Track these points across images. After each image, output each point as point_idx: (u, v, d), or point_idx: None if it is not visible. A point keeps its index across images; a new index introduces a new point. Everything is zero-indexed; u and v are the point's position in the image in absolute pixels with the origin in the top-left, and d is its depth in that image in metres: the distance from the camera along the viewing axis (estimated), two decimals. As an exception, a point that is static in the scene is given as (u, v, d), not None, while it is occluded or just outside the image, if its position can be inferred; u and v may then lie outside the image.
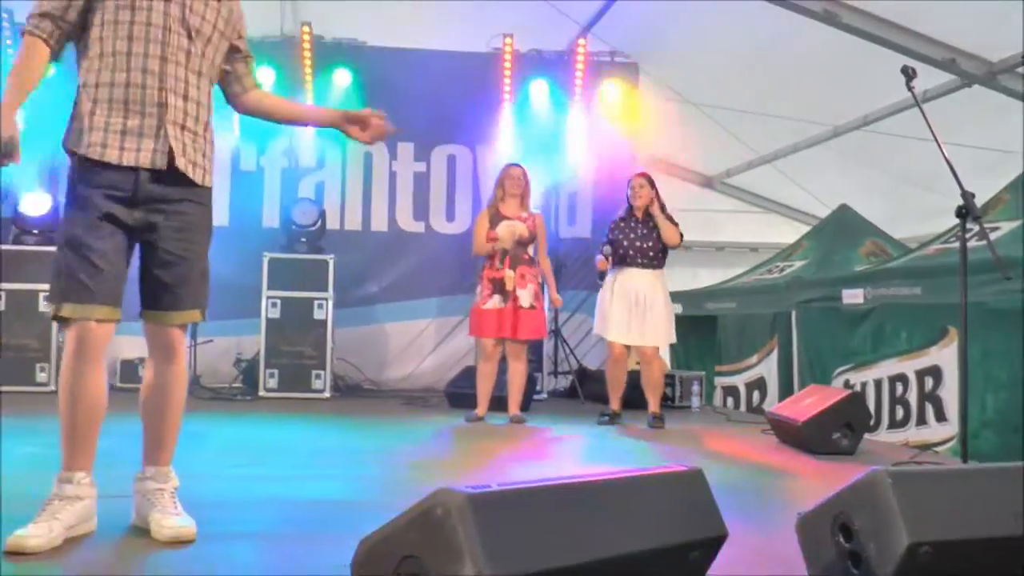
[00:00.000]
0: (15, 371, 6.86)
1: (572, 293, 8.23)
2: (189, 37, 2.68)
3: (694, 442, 5.48)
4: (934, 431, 5.23)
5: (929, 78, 6.51)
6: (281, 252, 7.48)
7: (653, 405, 5.99)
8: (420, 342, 8.27)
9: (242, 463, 4.25)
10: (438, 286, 8.27)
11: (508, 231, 5.95)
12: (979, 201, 3.84)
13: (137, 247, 2.72)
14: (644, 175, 6.18)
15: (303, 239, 7.60)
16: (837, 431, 4.81)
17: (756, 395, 7.42)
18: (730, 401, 7.80)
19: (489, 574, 1.63)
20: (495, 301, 5.90)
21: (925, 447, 5.14)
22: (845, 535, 2.10)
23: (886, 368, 5.69)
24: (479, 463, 4.59)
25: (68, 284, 2.56)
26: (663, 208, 6.03)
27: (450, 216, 8.49)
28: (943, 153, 3.76)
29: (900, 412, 5.53)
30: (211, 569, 2.43)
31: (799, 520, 2.28)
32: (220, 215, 7.95)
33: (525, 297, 5.91)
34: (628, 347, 6.01)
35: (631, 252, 5.97)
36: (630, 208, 6.09)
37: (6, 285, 6.94)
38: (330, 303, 7.36)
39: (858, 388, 5.83)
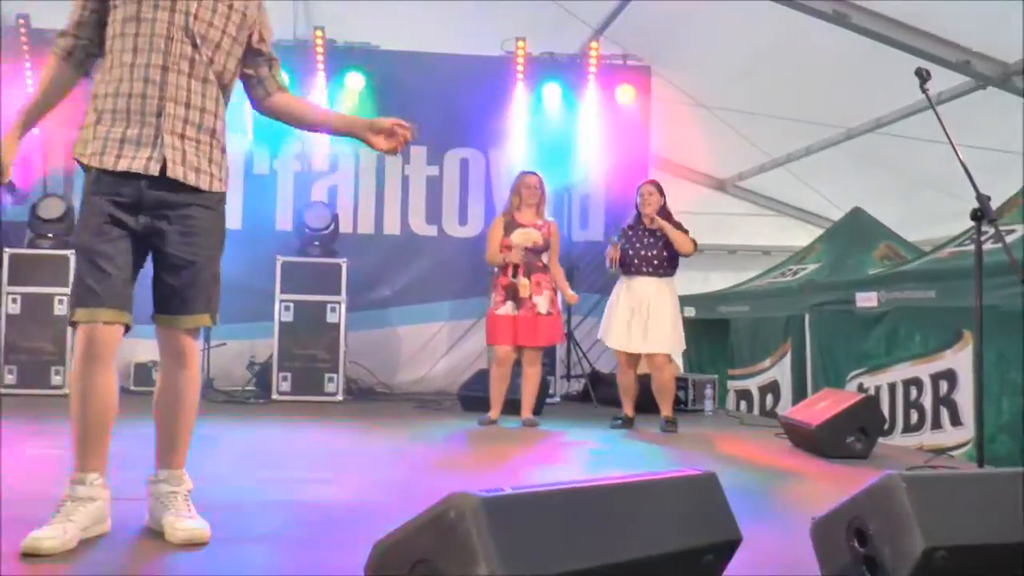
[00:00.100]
0: (30, 374, 6.91)
1: (584, 296, 8.19)
2: (194, 45, 2.68)
3: (707, 446, 5.46)
4: (949, 435, 5.20)
5: (943, 80, 6.47)
6: (294, 256, 7.50)
7: (665, 409, 5.97)
8: (433, 345, 8.27)
9: (255, 466, 4.26)
10: (451, 289, 8.27)
11: (523, 239, 5.96)
12: (994, 204, 3.82)
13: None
14: (653, 182, 6.18)
15: (316, 243, 7.62)
16: (851, 435, 4.78)
17: (769, 399, 7.40)
18: (743, 405, 7.78)
19: (502, 578, 1.63)
20: (508, 308, 5.90)
21: (940, 451, 5.12)
22: (860, 540, 2.09)
23: (900, 372, 5.66)
24: (492, 466, 4.59)
25: (79, 289, 2.61)
26: (670, 216, 6.02)
27: (463, 220, 8.49)
28: (958, 155, 3.74)
29: (915, 416, 5.50)
30: (225, 572, 2.43)
31: (813, 524, 2.27)
32: (233, 218, 7.93)
33: (542, 304, 5.92)
34: (636, 358, 6.00)
35: (636, 261, 5.95)
36: (638, 216, 6.08)
37: (21, 288, 6.98)
38: (343, 306, 7.37)
39: (872, 392, 5.80)
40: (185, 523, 2.65)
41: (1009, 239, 4.81)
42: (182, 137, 2.68)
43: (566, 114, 8.43)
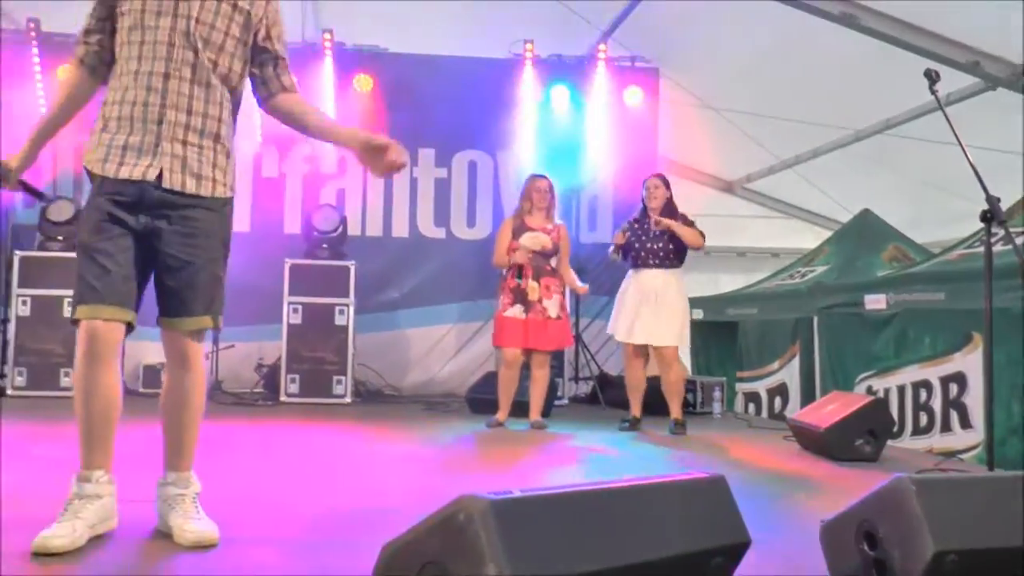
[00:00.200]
0: (40, 376, 6.95)
1: (593, 299, 8.20)
2: (196, 50, 2.69)
3: (716, 449, 5.45)
4: (959, 438, 5.18)
5: (952, 81, 6.46)
6: (302, 258, 7.51)
7: (675, 411, 5.97)
8: (441, 348, 8.28)
9: (264, 469, 4.27)
10: (459, 292, 8.28)
11: (532, 242, 5.97)
12: (1004, 205, 3.80)
13: None
14: (659, 176, 6.20)
15: (324, 245, 7.63)
16: (860, 438, 4.77)
17: (778, 401, 7.38)
18: (751, 407, 7.76)
19: (511, 580, 1.63)
20: (516, 310, 5.91)
21: (950, 454, 5.10)
22: (869, 543, 2.09)
23: (909, 374, 5.65)
24: (500, 469, 4.59)
25: (80, 286, 2.63)
26: (675, 210, 6.02)
27: (471, 222, 8.50)
28: (967, 157, 3.72)
29: (924, 419, 5.48)
30: (233, 573, 2.44)
31: (822, 527, 2.27)
32: (241, 221, 8.06)
33: (552, 308, 5.92)
34: (644, 351, 6.00)
35: (643, 253, 5.97)
36: (644, 209, 6.09)
37: (31, 291, 7.02)
38: (351, 309, 7.38)
39: (881, 394, 5.78)
40: (194, 525, 2.66)
41: (1019, 241, 4.78)
42: (184, 143, 2.68)
43: (574, 116, 8.43)
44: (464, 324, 8.27)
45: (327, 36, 8.01)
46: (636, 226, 6.09)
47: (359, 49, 8.24)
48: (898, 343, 5.80)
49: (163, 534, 2.73)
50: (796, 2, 6.48)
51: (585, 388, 8.09)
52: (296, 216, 8.19)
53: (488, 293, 7.51)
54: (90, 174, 2.70)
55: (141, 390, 7.11)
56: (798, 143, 9.23)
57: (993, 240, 3.89)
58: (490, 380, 6.68)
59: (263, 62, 2.87)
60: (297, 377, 7.27)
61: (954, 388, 5.26)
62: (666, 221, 5.90)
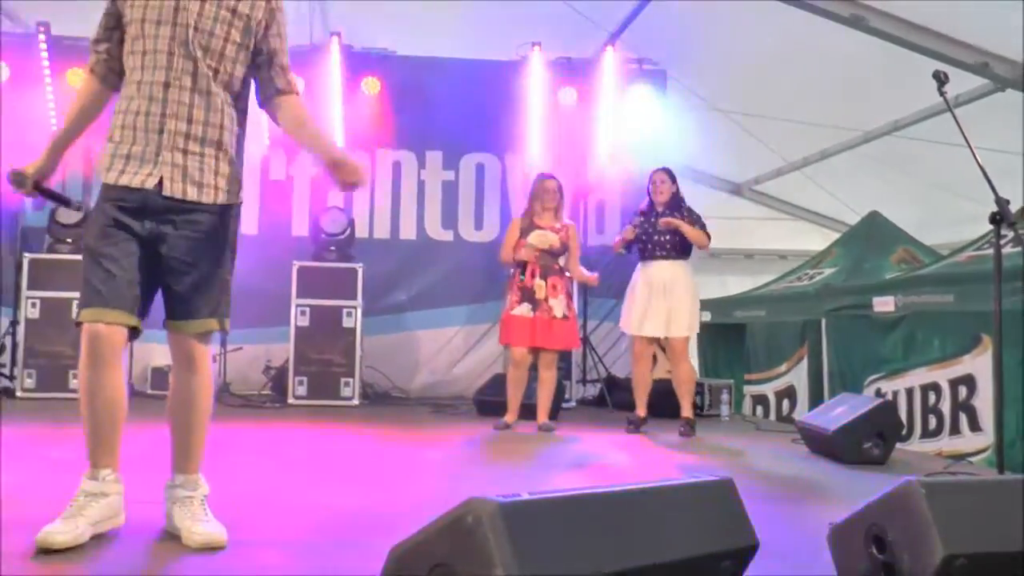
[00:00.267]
0: (49, 377, 6.97)
1: (600, 301, 8.22)
2: (195, 59, 2.70)
3: (723, 451, 5.44)
4: (968, 441, 5.16)
5: (961, 82, 6.44)
6: (310, 260, 7.52)
7: (686, 409, 5.96)
8: (449, 350, 8.28)
9: (271, 471, 4.28)
10: (467, 294, 8.28)
11: (539, 240, 5.97)
12: (1013, 207, 3.79)
13: None
14: (665, 170, 6.20)
15: (332, 247, 7.65)
16: (868, 440, 4.76)
17: (786, 404, 7.37)
18: (759, 410, 7.75)
19: (519, 583, 1.63)
20: (523, 309, 5.91)
21: (959, 457, 5.08)
22: (878, 546, 2.08)
23: (918, 377, 5.63)
24: (508, 472, 4.58)
25: (84, 290, 2.66)
26: (682, 204, 6.02)
27: (478, 224, 8.50)
28: (976, 159, 3.72)
29: (933, 421, 5.47)
30: (241, 575, 2.45)
31: (831, 531, 2.27)
32: (249, 224, 8.07)
33: (557, 307, 5.92)
34: (652, 350, 6.00)
35: (650, 246, 5.99)
36: (651, 202, 6.11)
37: (40, 293, 7.05)
38: (359, 311, 7.39)
39: (890, 397, 5.77)
40: (202, 527, 2.67)
41: (1028, 243, 4.78)
42: (184, 152, 2.70)
43: (581, 118, 8.42)
44: (472, 326, 8.27)
45: (335, 39, 8.01)
46: (642, 218, 6.10)
47: (367, 52, 8.24)
48: (907, 345, 5.79)
49: (171, 536, 2.73)
50: (804, 4, 6.47)
51: (593, 390, 8.09)
52: (304, 218, 8.20)
53: (496, 295, 7.51)
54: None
55: (149, 392, 7.13)
56: (806, 145, 9.22)
57: (1002, 242, 3.88)
58: (498, 382, 6.68)
59: (260, 64, 2.86)
60: (305, 379, 7.28)
61: (963, 391, 5.24)
62: (675, 222, 5.90)
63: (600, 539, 1.82)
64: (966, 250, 6.04)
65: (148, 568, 2.54)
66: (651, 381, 6.11)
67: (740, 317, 8.07)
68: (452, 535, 1.73)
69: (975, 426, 5.13)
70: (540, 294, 5.90)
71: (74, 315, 2.71)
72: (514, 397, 6.00)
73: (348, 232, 7.74)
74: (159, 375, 7.25)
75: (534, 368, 6.05)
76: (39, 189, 2.87)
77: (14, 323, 7.23)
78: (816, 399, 6.60)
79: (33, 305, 7.05)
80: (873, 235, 7.82)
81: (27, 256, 7.17)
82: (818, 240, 10.00)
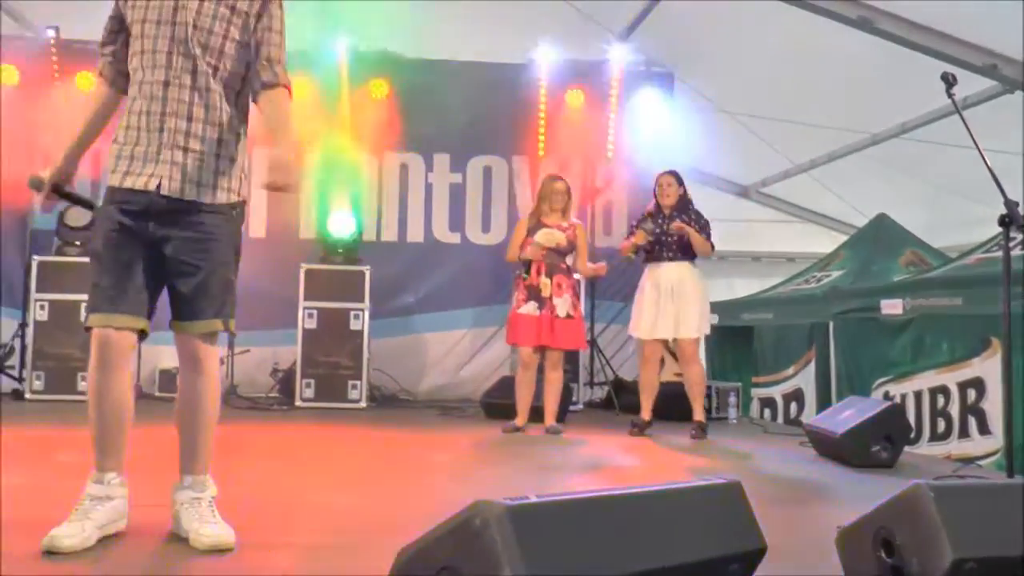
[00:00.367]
0: (58, 380, 6.99)
1: (608, 304, 8.22)
2: (194, 57, 2.71)
3: (731, 454, 5.43)
4: (977, 444, 5.15)
5: (969, 84, 6.42)
6: (318, 263, 7.53)
7: (697, 412, 5.94)
8: (456, 352, 8.28)
9: (279, 473, 4.28)
10: (474, 296, 8.28)
11: (546, 239, 5.97)
12: (1022, 209, 3.78)
13: None
14: (672, 173, 6.18)
15: (339, 250, 7.66)
16: (876, 444, 4.74)
17: (793, 407, 7.35)
18: (767, 413, 7.73)
19: (527, 586, 1.63)
20: (530, 307, 5.91)
21: (968, 460, 5.06)
22: (887, 550, 2.08)
23: (927, 380, 5.61)
24: (516, 474, 4.58)
25: (92, 295, 2.69)
26: (689, 206, 6.02)
27: (486, 227, 8.50)
28: (985, 161, 3.70)
29: (942, 424, 5.45)
30: (250, 578, 2.45)
31: (839, 534, 2.26)
32: (257, 227, 8.09)
33: (561, 306, 5.91)
34: (660, 354, 5.99)
35: (657, 247, 5.98)
36: (657, 204, 6.10)
37: (49, 295, 7.07)
38: (366, 314, 7.40)
39: (898, 400, 5.75)
40: (210, 529, 2.68)
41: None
42: (185, 150, 2.71)
43: (589, 121, 8.42)
44: (479, 329, 8.27)
45: (343, 41, 8.02)
46: (650, 221, 6.08)
47: (374, 54, 8.24)
48: (915, 348, 5.77)
49: (179, 538, 2.74)
50: (811, 5, 6.46)
51: (600, 393, 8.08)
52: (311, 221, 8.20)
53: (503, 298, 7.50)
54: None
55: (157, 394, 7.15)
56: (813, 147, 9.20)
57: (1012, 244, 3.86)
58: (505, 385, 6.68)
59: (250, 56, 2.84)
60: (312, 382, 7.29)
61: (972, 394, 5.23)
62: (687, 229, 5.88)
63: (608, 542, 1.82)
64: (975, 252, 6.02)
65: (157, 569, 2.55)
66: (658, 385, 6.10)
67: (748, 320, 8.05)
68: (459, 538, 1.74)
69: (984, 429, 5.11)
70: (545, 292, 5.89)
71: (83, 320, 2.74)
72: (523, 400, 5.99)
73: (355, 235, 7.75)
74: (167, 377, 7.27)
75: (542, 369, 6.04)
76: (59, 193, 2.90)
77: (23, 325, 7.25)
78: (824, 402, 6.59)
79: (42, 307, 7.08)
80: (881, 237, 7.79)
81: (36, 258, 7.20)
82: (826, 243, 9.97)
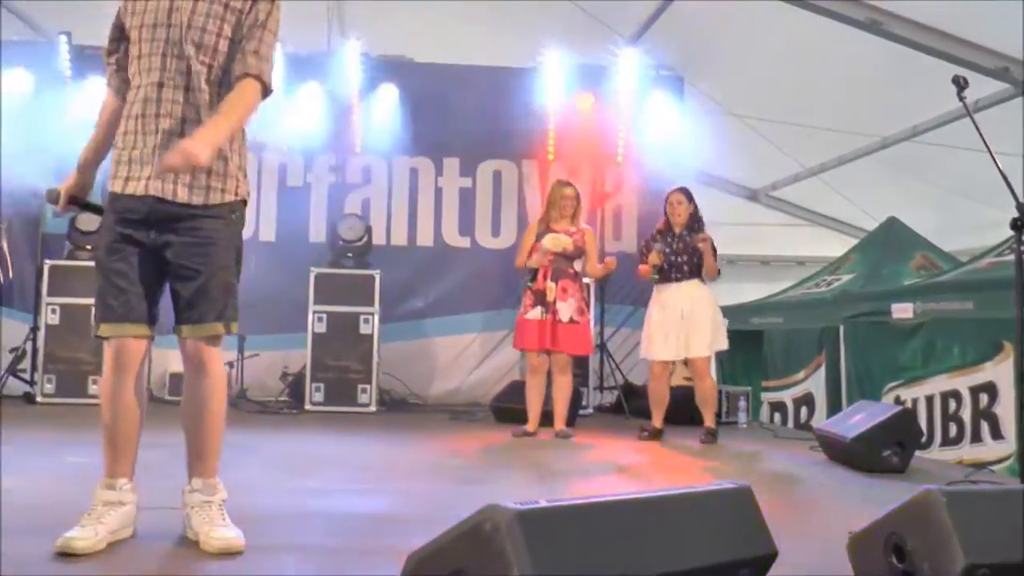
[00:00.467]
0: (68, 383, 7.02)
1: (618, 308, 8.22)
2: (188, 57, 2.72)
3: (742, 459, 5.42)
4: (990, 449, 5.12)
5: (980, 87, 6.40)
6: (328, 267, 7.54)
7: (708, 420, 5.94)
8: (466, 356, 8.29)
9: (289, 476, 4.29)
10: (484, 301, 8.28)
11: (552, 243, 5.97)
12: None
13: None
14: (683, 190, 6.15)
15: (349, 254, 7.67)
16: (887, 448, 4.71)
17: (804, 411, 7.33)
18: (777, 417, 7.70)
19: (537, 591, 1.63)
20: (536, 312, 5.91)
21: (980, 466, 5.04)
22: (898, 555, 2.07)
23: (938, 384, 5.59)
24: (526, 479, 4.58)
25: (101, 305, 2.74)
26: (698, 226, 6.00)
27: (495, 231, 8.51)
28: (996, 163, 3.69)
29: (953, 429, 5.42)
30: (260, 582, 2.45)
31: (850, 540, 2.25)
32: (267, 230, 8.12)
33: (564, 311, 5.90)
34: (672, 364, 5.99)
35: (666, 267, 5.95)
36: (667, 222, 6.07)
37: (60, 299, 7.10)
38: (376, 318, 7.40)
39: (909, 404, 5.72)
40: (220, 532, 2.68)
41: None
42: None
43: (598, 125, 8.41)
44: (489, 333, 8.27)
45: (353, 46, 8.04)
46: (660, 240, 6.05)
47: (384, 59, 8.27)
48: (926, 353, 5.75)
49: (189, 541, 2.75)
50: (821, 8, 6.45)
51: (610, 397, 8.07)
52: (321, 225, 8.23)
53: (513, 302, 7.51)
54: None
55: (167, 398, 7.16)
56: (823, 151, 9.18)
57: (1024, 248, 3.84)
58: (515, 389, 6.68)
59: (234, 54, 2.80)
60: (322, 386, 7.30)
61: (984, 398, 5.20)
62: (708, 249, 5.84)
63: (618, 547, 1.81)
64: (986, 256, 6.00)
65: (167, 572, 2.55)
66: (669, 397, 6.07)
67: (757, 324, 8.03)
68: (470, 542, 1.73)
69: (997, 434, 5.08)
70: (550, 296, 5.89)
71: (92, 329, 2.79)
72: (533, 405, 5.99)
73: (365, 239, 7.76)
74: (177, 381, 7.28)
75: (552, 375, 6.03)
76: (76, 204, 2.93)
77: (34, 329, 7.28)
78: (834, 406, 6.56)
79: (53, 311, 7.11)
80: (891, 241, 7.77)
81: (47, 262, 7.24)
82: (836, 246, 9.94)
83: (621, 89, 8.35)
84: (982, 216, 7.11)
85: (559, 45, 8.11)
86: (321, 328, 7.33)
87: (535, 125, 8.31)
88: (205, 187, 2.75)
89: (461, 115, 8.02)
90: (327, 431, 6.14)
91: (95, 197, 3.03)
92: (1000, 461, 5.00)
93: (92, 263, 7.31)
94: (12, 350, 7.33)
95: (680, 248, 5.95)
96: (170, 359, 7.18)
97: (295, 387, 7.53)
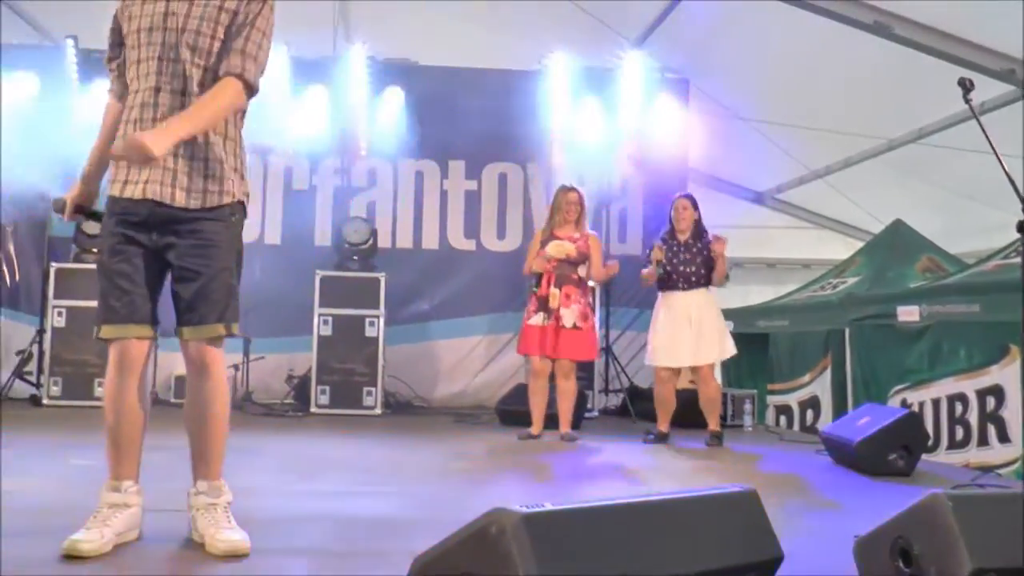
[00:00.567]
0: (74, 386, 7.04)
1: (623, 311, 8.21)
2: (184, 60, 2.72)
3: (747, 462, 5.41)
4: (996, 452, 5.11)
5: (987, 89, 6.38)
6: (333, 270, 7.55)
7: (713, 423, 5.95)
8: (471, 359, 8.29)
9: (295, 479, 4.29)
10: (489, 304, 8.29)
11: (556, 250, 5.97)
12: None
13: None
14: (688, 197, 6.15)
15: (355, 257, 7.68)
16: (893, 452, 4.70)
17: (809, 414, 7.32)
18: (783, 420, 7.70)
19: (543, 594, 1.63)
20: (538, 318, 5.91)
21: (987, 469, 5.02)
22: (904, 559, 2.06)
23: (944, 387, 5.58)
24: (531, 482, 4.58)
25: (103, 307, 2.75)
26: (702, 234, 5.98)
27: (501, 234, 8.51)
28: (1003, 165, 3.68)
29: (960, 432, 5.41)
30: (266, 585, 2.45)
31: (856, 543, 2.25)
32: (272, 233, 8.13)
33: (567, 317, 5.89)
34: (676, 372, 5.99)
35: (674, 276, 5.94)
36: (672, 230, 6.06)
37: (67, 302, 7.12)
38: (381, 320, 7.41)
39: (915, 408, 5.71)
40: (225, 535, 2.69)
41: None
42: (175, 156, 2.71)
43: (604, 127, 8.41)
44: (494, 336, 8.28)
45: (358, 50, 8.05)
46: (664, 246, 6.04)
47: (390, 62, 8.28)
48: (932, 356, 5.73)
49: (195, 543, 2.75)
50: (827, 11, 6.45)
51: (615, 400, 8.06)
52: (327, 228, 8.24)
53: (518, 305, 7.51)
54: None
55: (172, 400, 7.18)
56: (829, 153, 9.17)
57: (1030, 251, 3.84)
58: (520, 392, 6.68)
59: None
60: (327, 388, 7.30)
61: (991, 401, 5.19)
62: (721, 255, 5.83)
63: (623, 550, 1.81)
64: (993, 259, 5.98)
65: (174, 573, 2.56)
66: (675, 401, 6.07)
67: (763, 327, 8.03)
68: (476, 545, 1.73)
69: (1003, 437, 5.07)
70: (553, 303, 5.88)
71: (95, 329, 2.78)
72: (537, 409, 5.99)
73: (371, 242, 7.77)
74: (182, 384, 7.26)
75: (555, 379, 6.03)
76: (82, 212, 2.95)
77: (40, 331, 7.30)
78: (840, 409, 6.56)
79: (59, 314, 7.13)
80: (897, 244, 7.76)
81: (54, 265, 7.26)
82: (841, 249, 9.93)
83: (626, 91, 8.34)
84: (988, 218, 7.11)
85: (564, 47, 8.11)
86: (326, 331, 7.34)
87: (540, 128, 8.31)
88: (201, 191, 2.75)
89: (467, 118, 8.02)
90: (332, 434, 6.14)
91: (99, 204, 3.03)
92: (1007, 465, 4.99)
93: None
94: (18, 352, 7.35)
95: (687, 258, 5.94)
96: (176, 362, 7.16)
97: (300, 390, 7.54)
